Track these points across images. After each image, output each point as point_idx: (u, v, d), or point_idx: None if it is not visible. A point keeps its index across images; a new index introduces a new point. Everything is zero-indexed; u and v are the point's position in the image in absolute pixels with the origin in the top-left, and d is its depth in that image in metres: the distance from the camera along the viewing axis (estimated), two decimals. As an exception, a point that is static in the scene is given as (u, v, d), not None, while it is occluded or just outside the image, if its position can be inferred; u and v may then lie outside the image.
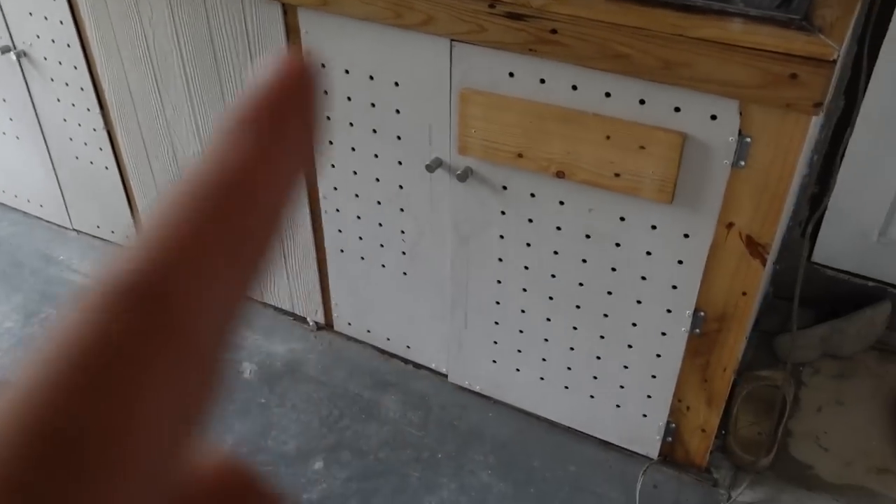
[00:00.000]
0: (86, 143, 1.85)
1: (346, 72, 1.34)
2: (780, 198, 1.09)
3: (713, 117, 1.07)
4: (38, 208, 2.12)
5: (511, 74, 1.18)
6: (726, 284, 1.21)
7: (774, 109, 1.02)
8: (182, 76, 1.56)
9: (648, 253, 1.23)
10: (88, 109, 1.77)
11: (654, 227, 1.20)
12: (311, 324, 1.79)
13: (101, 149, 1.83)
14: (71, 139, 1.87)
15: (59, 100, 1.81)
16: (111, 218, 1.97)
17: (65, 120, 1.84)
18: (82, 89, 1.74)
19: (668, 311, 1.27)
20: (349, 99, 1.37)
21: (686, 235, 1.18)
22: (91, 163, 1.88)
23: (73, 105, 1.79)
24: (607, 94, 1.12)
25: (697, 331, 1.27)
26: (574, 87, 1.14)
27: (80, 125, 1.82)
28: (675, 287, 1.24)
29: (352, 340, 1.75)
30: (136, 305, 0.15)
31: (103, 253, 2.03)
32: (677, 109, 1.08)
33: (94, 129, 1.80)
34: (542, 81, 1.16)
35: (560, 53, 1.10)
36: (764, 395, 1.56)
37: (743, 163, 1.08)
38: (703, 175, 1.12)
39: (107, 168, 1.86)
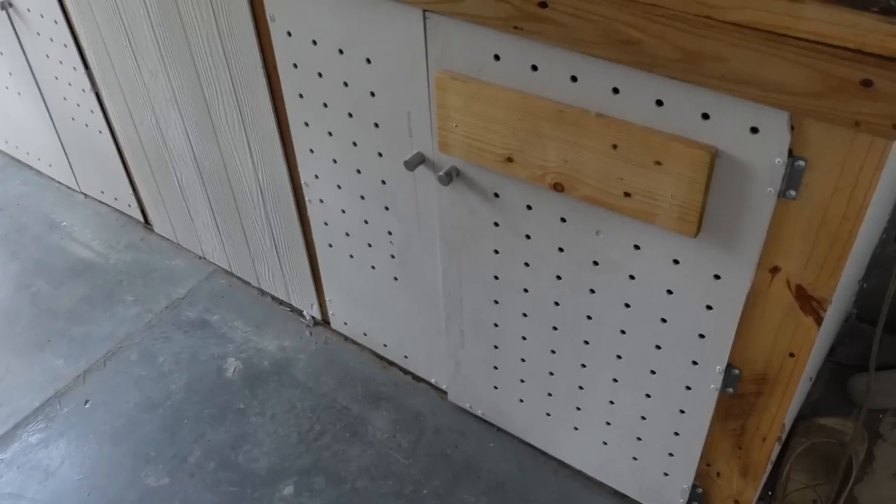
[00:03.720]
0: (78, 105, 1.69)
1: (314, 42, 1.10)
2: (842, 242, 0.79)
3: (754, 130, 0.78)
4: (48, 168, 2.00)
5: (497, 57, 0.91)
6: (768, 341, 0.92)
7: (838, 127, 0.72)
8: (154, 41, 1.35)
9: (669, 292, 0.96)
10: (75, 68, 1.60)
11: (676, 262, 0.93)
12: (307, 318, 1.60)
13: (91, 111, 1.66)
14: (65, 99, 1.71)
15: (48, 56, 1.65)
16: (112, 184, 1.82)
17: (56, 78, 1.68)
18: (66, 46, 1.57)
19: (694, 362, 1.00)
20: (320, 75, 1.13)
21: (717, 277, 0.90)
22: (86, 125, 1.72)
23: (61, 63, 1.63)
24: (615, 91, 0.84)
25: (730, 390, 1.00)
26: (573, 79, 0.86)
27: (70, 84, 1.66)
28: (702, 336, 0.97)
29: (349, 341, 1.55)
30: None
31: (107, 221, 1.89)
32: (706, 116, 0.80)
33: (83, 91, 1.63)
34: (535, 69, 0.89)
35: (553, 34, 0.83)
36: (826, 450, 1.27)
37: (794, 193, 0.79)
38: (739, 204, 0.83)
39: (100, 132, 1.70)
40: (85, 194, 1.96)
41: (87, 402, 1.49)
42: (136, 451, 1.39)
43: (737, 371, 0.97)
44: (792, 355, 0.91)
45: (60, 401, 1.49)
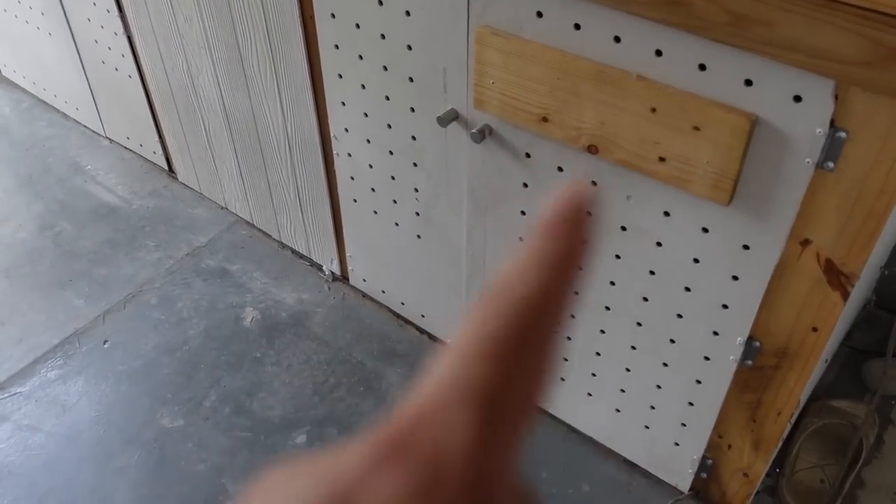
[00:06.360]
0: (109, 48, 1.69)
1: (354, -7, 1.10)
2: (877, 217, 0.79)
3: (797, 98, 0.77)
4: (75, 111, 2.01)
5: (539, 14, 0.91)
6: (793, 315, 0.93)
7: (884, 98, 0.72)
8: (191, -18, 1.35)
9: (696, 260, 0.96)
10: (108, 11, 1.60)
11: (705, 231, 0.93)
12: (326, 273, 1.61)
13: (123, 55, 1.67)
14: (96, 42, 1.72)
15: (81, -3, 1.65)
16: (139, 130, 1.83)
17: (89, 20, 1.68)
18: (100, -13, 1.57)
19: (715, 333, 1.00)
20: (357, 26, 1.13)
21: (746, 247, 0.90)
22: (116, 70, 1.73)
23: (95, 4, 1.62)
24: (658, 53, 0.84)
25: (749, 363, 1.00)
26: (616, 39, 0.86)
27: (102, 27, 1.66)
28: (725, 307, 0.97)
29: (367, 298, 1.56)
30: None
31: (131, 167, 1.90)
32: (748, 83, 0.79)
33: (116, 34, 1.63)
34: (577, 27, 0.88)
35: (599, -8, 0.83)
36: (836, 432, 1.28)
37: (832, 164, 0.79)
38: (775, 173, 0.83)
39: (130, 77, 1.70)
40: (110, 139, 1.97)
41: (105, 342, 1.51)
42: (153, 392, 1.41)
43: (758, 343, 0.98)
44: (815, 330, 0.92)
45: (80, 339, 1.51)
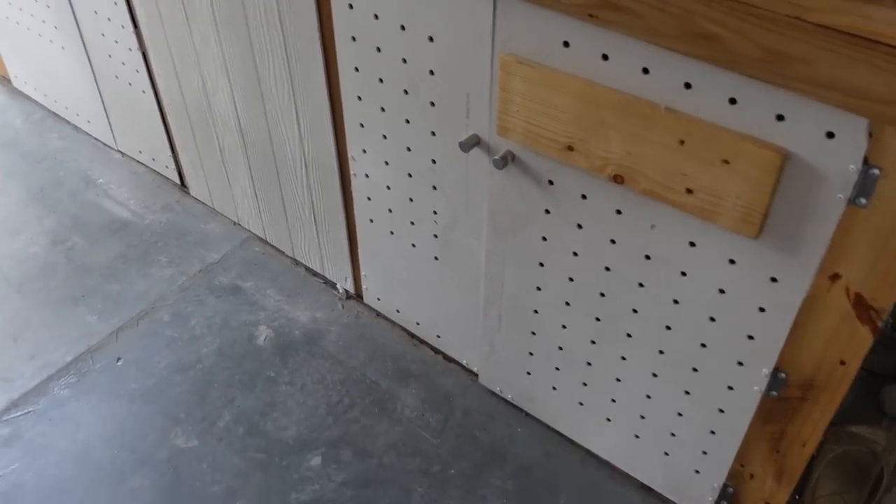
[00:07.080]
0: (123, 63, 1.69)
1: (376, 17, 1.09)
2: (910, 254, 0.78)
3: (830, 135, 0.76)
4: (87, 124, 2.01)
5: (566, 44, 0.90)
6: (820, 347, 0.92)
7: (921, 138, 0.71)
8: (208, 4, 1.34)
9: (721, 291, 0.95)
10: (123, 27, 1.59)
11: (732, 262, 0.92)
12: (340, 291, 1.60)
13: (137, 71, 1.66)
14: (110, 56, 1.71)
15: (96, 12, 1.64)
16: (151, 144, 1.83)
17: (103, 35, 1.68)
18: (115, 3, 1.56)
19: (740, 363, 1.00)
20: (378, 50, 1.12)
21: (773, 279, 0.89)
22: (130, 84, 1.72)
23: (109, 20, 1.62)
24: (687, 86, 0.83)
25: (774, 393, 0.99)
26: (645, 71, 0.85)
27: (116, 42, 1.65)
28: (751, 337, 0.96)
29: (381, 317, 1.56)
30: None
31: (143, 181, 1.90)
32: (780, 118, 0.78)
33: (130, 49, 1.63)
34: (605, 58, 0.88)
35: (629, 24, 0.82)
36: (857, 458, 1.27)
37: (864, 201, 0.78)
38: (805, 208, 0.82)
39: (143, 92, 1.70)
40: (122, 153, 1.96)
41: (119, 359, 1.50)
42: (166, 412, 1.40)
43: (783, 375, 0.97)
44: (843, 363, 0.91)
45: (93, 357, 1.50)
